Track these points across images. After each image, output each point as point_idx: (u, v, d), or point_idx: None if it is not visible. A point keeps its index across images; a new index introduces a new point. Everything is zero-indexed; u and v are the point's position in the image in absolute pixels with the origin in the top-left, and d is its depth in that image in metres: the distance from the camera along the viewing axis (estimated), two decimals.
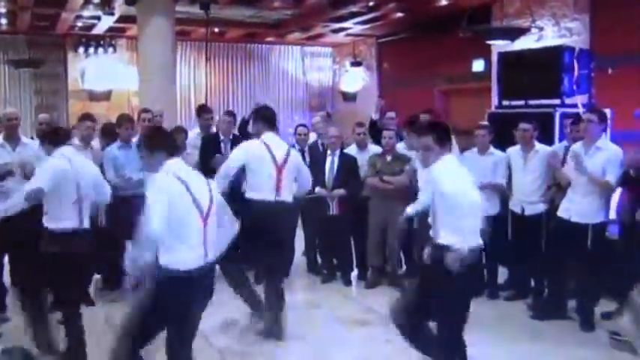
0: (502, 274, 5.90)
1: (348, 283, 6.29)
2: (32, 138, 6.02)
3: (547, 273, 5.27)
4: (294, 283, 6.35)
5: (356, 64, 12.39)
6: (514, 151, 5.57)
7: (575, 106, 6.26)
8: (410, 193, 5.32)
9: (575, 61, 6.49)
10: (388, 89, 11.51)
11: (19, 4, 9.14)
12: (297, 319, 4.93)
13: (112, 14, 9.48)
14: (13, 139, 5.43)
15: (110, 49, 11.61)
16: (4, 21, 10.18)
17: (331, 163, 6.18)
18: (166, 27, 8.77)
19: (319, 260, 6.65)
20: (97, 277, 5.97)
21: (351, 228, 6.25)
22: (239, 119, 6.90)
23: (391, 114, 7.47)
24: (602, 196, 4.84)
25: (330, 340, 4.75)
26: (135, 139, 5.83)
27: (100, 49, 11.50)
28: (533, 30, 7.45)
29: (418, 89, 10.27)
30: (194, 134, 6.84)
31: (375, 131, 6.65)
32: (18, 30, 10.82)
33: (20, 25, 10.45)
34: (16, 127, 5.50)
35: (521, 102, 6.61)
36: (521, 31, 7.04)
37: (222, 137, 6.36)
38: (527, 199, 5.44)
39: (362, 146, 6.39)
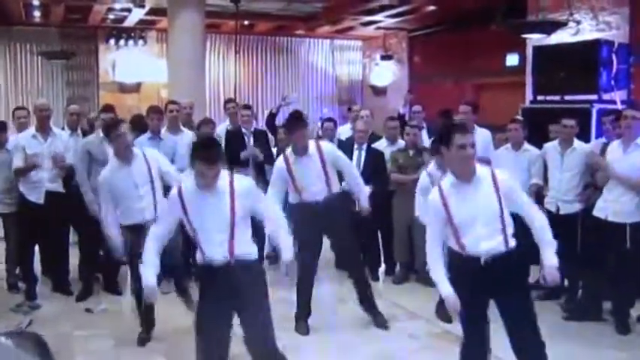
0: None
1: (375, 278, 6.22)
2: (63, 129, 6.07)
3: (582, 273, 5.12)
4: (321, 277, 6.32)
5: (386, 57, 12.26)
6: (551, 147, 5.41)
7: (613, 102, 6.07)
8: None
9: (613, 55, 6.31)
10: (418, 83, 11.36)
11: None
12: (323, 313, 4.91)
13: (143, 7, 9.54)
14: (44, 129, 5.51)
15: (140, 42, 11.69)
16: (37, 13, 10.31)
17: (358, 157, 6.10)
18: (196, 20, 8.78)
19: None
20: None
21: (378, 223, 6.17)
22: (266, 113, 6.91)
23: (417, 107, 7.40)
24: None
25: (355, 334, 4.72)
26: (163, 130, 5.85)
27: (131, 42, 11.59)
28: (571, 24, 7.23)
29: (449, 83, 10.12)
30: (224, 127, 6.86)
31: (403, 125, 6.58)
32: (51, 22, 10.95)
33: (53, 17, 10.57)
34: (48, 118, 5.58)
35: (557, 97, 6.45)
36: (558, 25, 6.84)
37: (244, 130, 6.38)
38: (563, 198, 5.29)
39: (392, 140, 6.31)
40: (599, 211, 4.83)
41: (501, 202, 3.12)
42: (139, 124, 6.02)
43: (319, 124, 7.43)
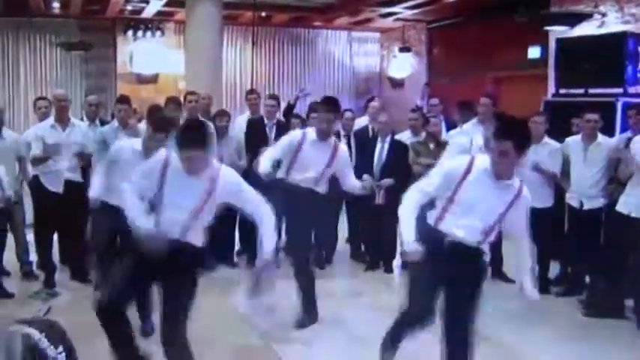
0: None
1: (390, 271, 6.18)
2: (82, 119, 6.09)
3: (604, 269, 5.03)
4: (337, 270, 6.30)
5: (405, 49, 12.13)
6: (574, 141, 5.32)
7: (638, 95, 5.95)
8: None
9: (639, 48, 6.16)
10: (438, 76, 11.24)
11: None
12: (338, 306, 4.89)
13: None
14: (63, 120, 5.52)
15: (158, 33, 11.68)
16: (56, 5, 10.35)
17: (380, 149, 6.04)
18: (214, 11, 8.77)
19: (362, 248, 6.56)
20: None
21: (396, 217, 6.10)
22: (284, 104, 6.84)
23: (434, 101, 7.33)
24: None
25: (370, 327, 4.64)
26: (182, 121, 5.83)
27: (148, 33, 11.58)
28: (595, 16, 7.09)
29: (469, 76, 9.97)
30: (244, 118, 6.83)
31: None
32: (70, 14, 10.99)
33: (72, 9, 10.61)
34: (66, 109, 5.60)
35: (581, 90, 6.33)
36: (582, 17, 6.72)
37: (266, 121, 6.32)
38: (587, 193, 5.20)
39: (416, 132, 6.23)
40: (622, 207, 4.75)
41: (505, 215, 3.12)
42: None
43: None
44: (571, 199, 5.33)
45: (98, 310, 3.19)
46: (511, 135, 3.01)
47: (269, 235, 3.34)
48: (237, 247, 6.57)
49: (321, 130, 4.48)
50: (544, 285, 5.51)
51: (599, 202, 5.18)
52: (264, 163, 4.42)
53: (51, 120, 5.57)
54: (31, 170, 5.55)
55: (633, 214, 4.65)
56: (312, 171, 4.48)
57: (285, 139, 4.66)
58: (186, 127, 3.33)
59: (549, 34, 7.76)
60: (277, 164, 4.60)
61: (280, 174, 4.58)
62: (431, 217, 3.23)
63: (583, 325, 4.80)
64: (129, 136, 4.96)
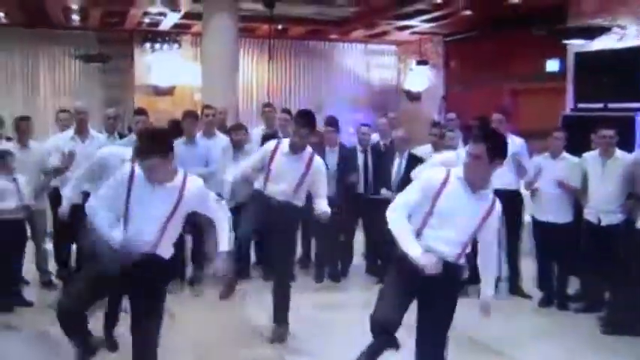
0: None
1: None
2: (101, 132, 6.14)
3: (624, 286, 4.95)
4: (351, 283, 6.28)
5: (422, 62, 12.12)
6: (591, 157, 5.27)
7: None
8: None
9: None
10: (455, 89, 11.21)
11: (91, 0, 9.39)
12: (350, 318, 4.84)
13: (178, 11, 9.62)
14: (82, 132, 5.61)
15: (175, 45, 11.80)
16: (76, 17, 10.50)
17: (399, 165, 6.02)
18: (230, 24, 8.83)
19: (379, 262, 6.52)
20: None
21: None
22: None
23: (451, 115, 7.28)
24: None
25: None
26: (198, 135, 5.87)
27: (165, 45, 11.71)
28: (615, 29, 7.03)
29: (486, 89, 9.94)
30: (259, 130, 6.85)
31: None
32: (89, 26, 11.14)
33: (91, 21, 10.76)
34: (86, 122, 5.70)
35: (600, 105, 6.27)
36: (601, 31, 6.67)
37: (280, 135, 6.33)
38: (605, 209, 5.14)
39: (437, 147, 6.17)
40: None
41: (482, 225, 3.11)
42: (176, 129, 6.08)
43: (352, 129, 7.37)
44: (589, 214, 5.27)
45: (59, 314, 3.17)
46: (486, 139, 3.03)
47: (224, 237, 3.39)
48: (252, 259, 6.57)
49: (294, 144, 4.45)
50: (563, 301, 5.46)
51: (617, 218, 5.12)
52: (234, 172, 4.50)
53: (71, 132, 5.65)
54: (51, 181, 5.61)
55: None
56: (286, 183, 4.44)
57: (260, 150, 4.70)
58: (144, 136, 3.30)
59: (568, 47, 7.72)
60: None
61: (258, 185, 4.56)
62: None
63: (602, 342, 4.73)
64: None
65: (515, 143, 5.73)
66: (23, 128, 5.64)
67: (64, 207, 4.79)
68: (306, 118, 4.49)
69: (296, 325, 4.73)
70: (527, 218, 5.76)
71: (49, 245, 5.83)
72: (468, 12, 9.21)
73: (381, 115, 7.52)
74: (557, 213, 5.37)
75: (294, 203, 4.49)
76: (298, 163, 4.44)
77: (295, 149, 4.44)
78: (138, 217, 3.13)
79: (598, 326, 4.99)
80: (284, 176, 4.43)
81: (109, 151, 4.51)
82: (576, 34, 6.80)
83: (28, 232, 5.54)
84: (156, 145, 3.07)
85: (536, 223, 5.55)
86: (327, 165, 6.03)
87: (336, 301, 5.43)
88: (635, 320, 4.85)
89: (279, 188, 4.44)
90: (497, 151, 3.02)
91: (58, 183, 5.51)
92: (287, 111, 6.75)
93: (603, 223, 5.16)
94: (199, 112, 6.22)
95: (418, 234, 3.11)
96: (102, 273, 3.16)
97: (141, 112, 5.80)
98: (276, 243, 4.60)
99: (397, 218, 3.14)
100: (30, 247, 5.67)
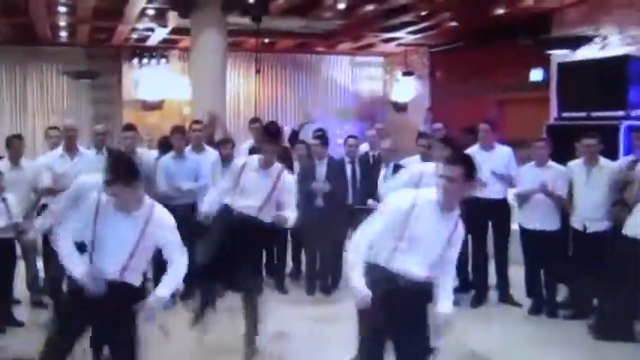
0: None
1: None
2: (89, 149, 6.14)
3: (612, 292, 5.01)
4: (343, 295, 6.27)
5: (407, 73, 12.25)
6: (576, 165, 5.34)
7: None
8: None
9: None
10: (440, 99, 11.32)
11: (79, 17, 9.41)
12: (343, 331, 4.81)
13: (166, 26, 9.67)
14: (71, 149, 5.59)
15: (163, 60, 11.84)
16: (63, 34, 10.51)
17: (385, 175, 6.06)
18: (218, 39, 8.87)
19: None
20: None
21: None
22: (288, 130, 6.89)
23: (438, 125, 7.32)
24: None
25: None
26: (187, 149, 5.88)
27: (153, 60, 11.74)
28: (597, 39, 7.16)
29: (472, 99, 10.05)
30: (247, 145, 6.87)
31: None
32: (77, 42, 11.16)
33: (79, 37, 10.78)
34: (75, 139, 5.69)
35: (583, 114, 6.36)
36: (584, 40, 6.79)
37: None
38: (591, 216, 5.20)
39: (426, 158, 6.22)
40: (629, 230, 4.74)
41: (448, 245, 3.11)
42: (166, 144, 6.10)
43: (341, 140, 7.42)
44: (575, 222, 5.33)
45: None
46: (462, 162, 3.05)
47: (171, 283, 3.23)
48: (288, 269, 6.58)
49: (267, 161, 4.45)
50: (552, 309, 5.50)
51: (604, 225, 5.19)
52: (210, 199, 4.51)
53: (60, 150, 5.64)
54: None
55: None
56: (253, 199, 4.40)
57: (230, 170, 4.66)
58: (110, 162, 3.19)
59: (551, 57, 7.83)
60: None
61: (227, 200, 4.52)
62: (380, 258, 3.14)
63: (592, 349, 4.76)
64: None
65: (503, 153, 5.81)
66: (15, 147, 5.61)
67: (32, 235, 4.80)
68: (272, 134, 4.50)
69: (289, 338, 4.75)
70: (514, 226, 5.82)
71: (39, 264, 5.79)
72: (453, 23, 9.35)
73: (369, 126, 7.58)
74: (544, 221, 5.42)
75: (261, 219, 4.43)
76: (267, 179, 4.42)
77: (264, 164, 4.43)
78: (105, 244, 3.09)
79: (588, 333, 5.05)
80: (252, 192, 4.39)
81: (83, 180, 4.35)
82: (559, 44, 6.91)
83: (19, 252, 5.51)
84: (120, 172, 3.02)
85: (524, 231, 5.59)
86: (315, 176, 6.15)
87: (328, 313, 5.43)
88: (624, 326, 4.90)
89: (246, 203, 4.41)
90: (471, 171, 3.04)
91: (48, 201, 5.50)
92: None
93: (589, 231, 5.22)
94: (187, 127, 6.24)
95: (391, 258, 3.08)
96: (70, 313, 3.13)
97: (129, 127, 5.81)
98: (241, 260, 4.51)
99: (354, 248, 3.13)
100: (21, 267, 5.65)
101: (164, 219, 3.20)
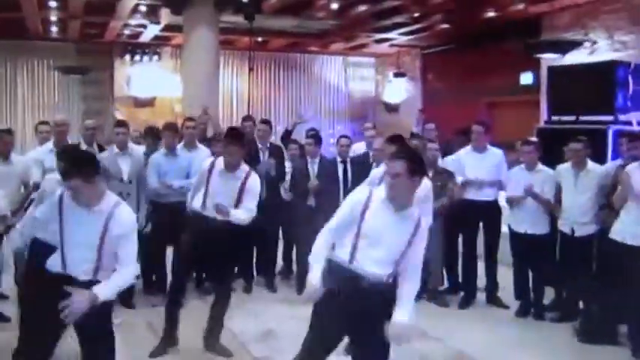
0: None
1: None
2: (79, 143, 6.12)
3: (598, 296, 5.06)
4: None
5: (399, 74, 12.29)
6: (564, 169, 5.38)
7: (629, 123, 6.04)
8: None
9: (629, 76, 6.28)
10: (432, 101, 11.38)
11: (71, 12, 9.37)
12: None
13: (158, 23, 9.64)
14: (61, 144, 5.54)
15: (155, 57, 11.81)
16: (55, 29, 10.46)
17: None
18: (211, 36, 8.87)
19: None
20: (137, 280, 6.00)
21: None
22: (281, 129, 6.90)
23: (430, 126, 7.33)
24: None
25: None
26: (179, 147, 5.87)
27: (145, 57, 11.71)
28: (586, 44, 7.23)
29: (463, 101, 10.11)
30: None
31: None
32: (68, 38, 11.10)
33: (70, 33, 10.72)
34: (65, 134, 5.66)
35: (572, 118, 6.42)
36: (574, 45, 6.86)
37: (260, 145, 6.36)
38: (578, 220, 5.24)
39: None
40: (616, 234, 4.77)
41: (411, 244, 3.04)
42: (152, 133, 6.07)
43: (333, 140, 7.44)
44: (563, 225, 5.37)
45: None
46: (404, 155, 3.03)
47: (110, 287, 3.02)
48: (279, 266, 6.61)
49: (227, 162, 4.38)
50: (539, 311, 5.55)
51: (591, 229, 5.22)
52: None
53: (50, 144, 5.62)
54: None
55: (628, 242, 4.67)
56: (222, 201, 4.30)
57: (199, 173, 4.61)
58: (64, 156, 3.12)
59: (541, 61, 7.89)
60: None
61: (196, 205, 4.46)
62: (341, 256, 3.09)
63: (578, 351, 4.80)
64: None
65: (495, 154, 5.85)
66: (6, 141, 5.59)
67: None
68: (234, 136, 4.46)
69: (279, 337, 4.75)
70: (504, 229, 5.86)
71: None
72: (446, 26, 9.39)
73: (361, 125, 7.59)
74: (533, 224, 5.46)
75: (232, 222, 4.35)
76: (234, 182, 4.36)
77: (229, 167, 4.36)
78: (72, 242, 3.03)
79: (574, 336, 5.09)
80: (220, 195, 4.32)
81: (49, 178, 4.32)
82: (548, 48, 6.97)
83: (7, 247, 5.48)
84: (76, 166, 2.95)
85: (514, 234, 5.62)
86: (309, 175, 6.16)
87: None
88: (610, 329, 4.95)
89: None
90: (416, 166, 3.00)
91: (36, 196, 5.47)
92: (266, 122, 6.78)
93: (577, 234, 5.26)
94: (180, 124, 6.23)
95: (352, 256, 3.04)
96: (39, 315, 3.04)
97: (121, 124, 5.79)
98: (215, 264, 4.50)
99: (317, 242, 3.11)
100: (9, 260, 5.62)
101: (125, 220, 3.07)
